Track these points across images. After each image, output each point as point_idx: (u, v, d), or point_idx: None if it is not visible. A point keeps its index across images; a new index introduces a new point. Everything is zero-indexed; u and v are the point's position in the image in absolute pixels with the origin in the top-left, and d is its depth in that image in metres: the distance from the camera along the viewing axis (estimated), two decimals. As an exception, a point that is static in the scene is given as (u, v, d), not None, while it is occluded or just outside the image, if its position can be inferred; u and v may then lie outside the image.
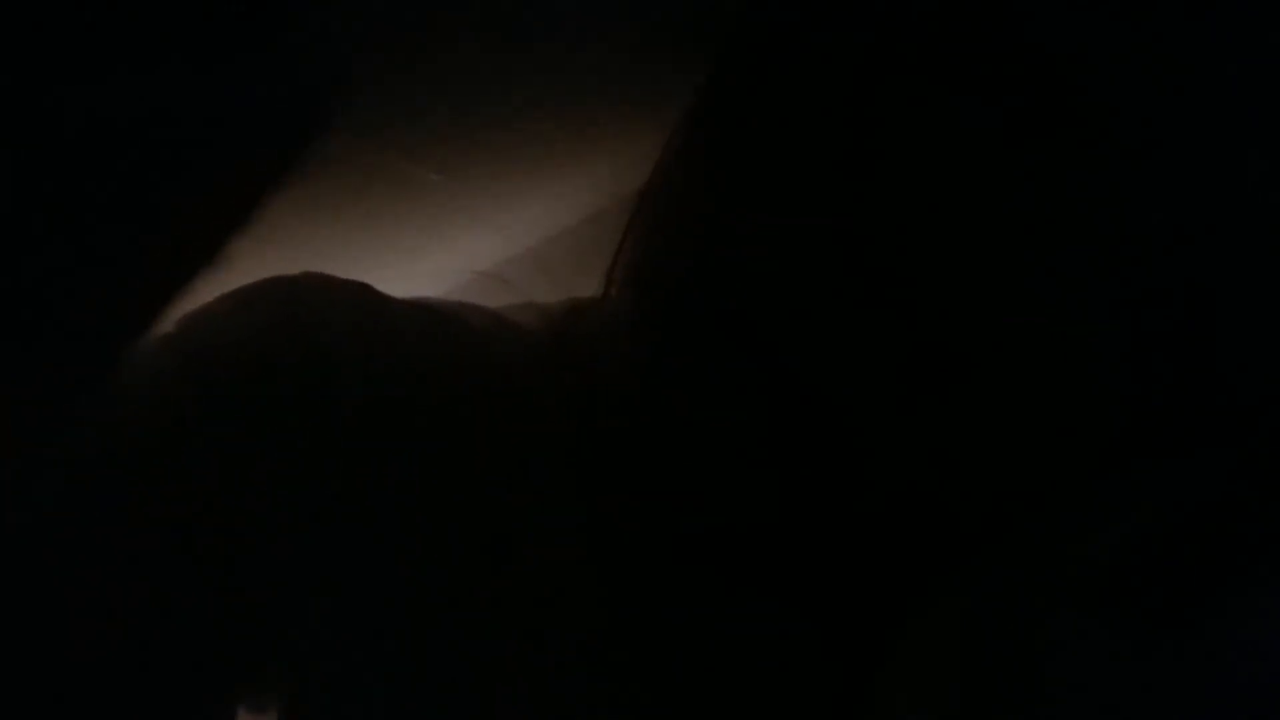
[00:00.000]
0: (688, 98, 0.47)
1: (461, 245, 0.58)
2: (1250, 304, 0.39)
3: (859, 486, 0.41)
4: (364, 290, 0.47)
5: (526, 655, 0.43)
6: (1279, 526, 0.38)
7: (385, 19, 0.44)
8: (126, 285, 0.31)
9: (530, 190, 0.56)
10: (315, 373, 0.44)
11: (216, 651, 0.41)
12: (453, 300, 0.51)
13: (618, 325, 0.46)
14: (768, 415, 0.41)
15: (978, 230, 0.39)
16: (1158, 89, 0.38)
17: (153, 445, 0.41)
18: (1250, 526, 0.38)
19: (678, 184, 0.45)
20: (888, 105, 0.40)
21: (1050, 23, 0.38)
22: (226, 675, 0.42)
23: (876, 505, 0.41)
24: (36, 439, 0.32)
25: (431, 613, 0.43)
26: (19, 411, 0.31)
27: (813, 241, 0.40)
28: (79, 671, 0.39)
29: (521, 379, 0.47)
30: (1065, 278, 0.39)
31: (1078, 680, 0.38)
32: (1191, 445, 0.40)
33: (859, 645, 0.43)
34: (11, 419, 0.31)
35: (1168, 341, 0.39)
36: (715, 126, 0.44)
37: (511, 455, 0.45)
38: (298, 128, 0.31)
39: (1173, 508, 0.39)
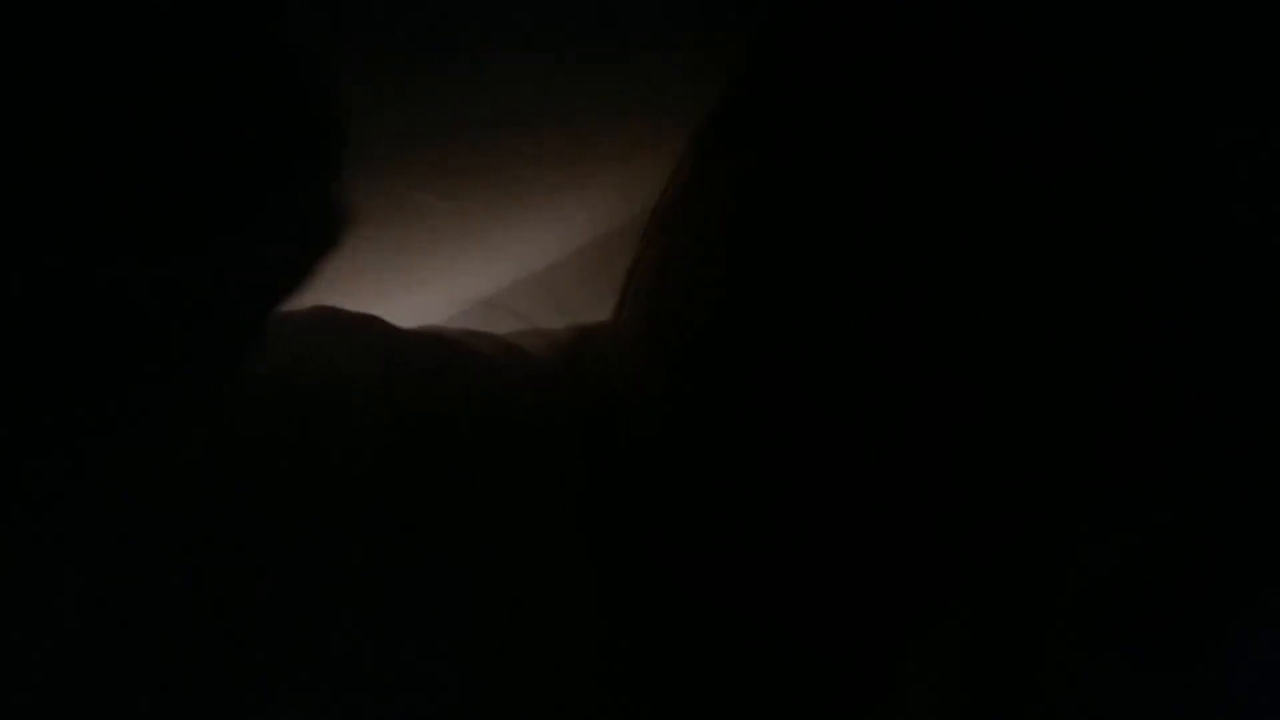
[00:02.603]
0: (695, 120, 0.47)
1: (468, 273, 0.58)
2: (1247, 322, 0.39)
3: (862, 510, 0.41)
4: (373, 322, 0.47)
5: (530, 678, 0.43)
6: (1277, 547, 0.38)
7: (387, 45, 0.43)
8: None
9: (536, 215, 0.56)
10: (327, 407, 0.44)
11: (223, 678, 0.41)
12: (460, 328, 0.51)
13: (631, 350, 0.46)
14: (780, 442, 0.41)
15: (981, 256, 0.39)
16: (1157, 114, 0.38)
17: (159, 482, 0.40)
18: (1250, 543, 0.38)
19: (694, 206, 0.45)
20: (908, 133, 0.40)
21: (1060, 50, 0.39)
22: (235, 697, 0.42)
23: (879, 528, 0.42)
24: (39, 475, 0.32)
25: (439, 635, 0.43)
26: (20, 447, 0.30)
27: (831, 268, 0.41)
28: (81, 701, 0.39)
29: (531, 404, 0.47)
30: (1064, 299, 0.39)
31: (1079, 700, 0.38)
32: (1190, 463, 0.40)
33: (861, 668, 0.43)
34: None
35: (1165, 360, 0.39)
36: (734, 149, 0.44)
37: (522, 480, 0.45)
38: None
39: (1172, 525, 0.39)
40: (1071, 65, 0.39)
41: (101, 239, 0.30)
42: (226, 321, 0.33)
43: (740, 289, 0.42)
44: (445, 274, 0.57)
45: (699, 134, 0.47)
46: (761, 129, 0.44)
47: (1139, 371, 0.39)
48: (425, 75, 0.46)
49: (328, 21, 0.40)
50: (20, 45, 0.28)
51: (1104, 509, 0.40)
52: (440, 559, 0.43)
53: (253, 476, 0.42)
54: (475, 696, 0.42)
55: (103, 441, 0.33)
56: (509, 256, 0.58)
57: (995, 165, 0.39)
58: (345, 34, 0.41)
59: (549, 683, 0.43)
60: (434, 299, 0.58)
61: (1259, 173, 0.39)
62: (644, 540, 0.45)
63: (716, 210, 0.44)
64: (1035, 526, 0.41)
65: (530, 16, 0.45)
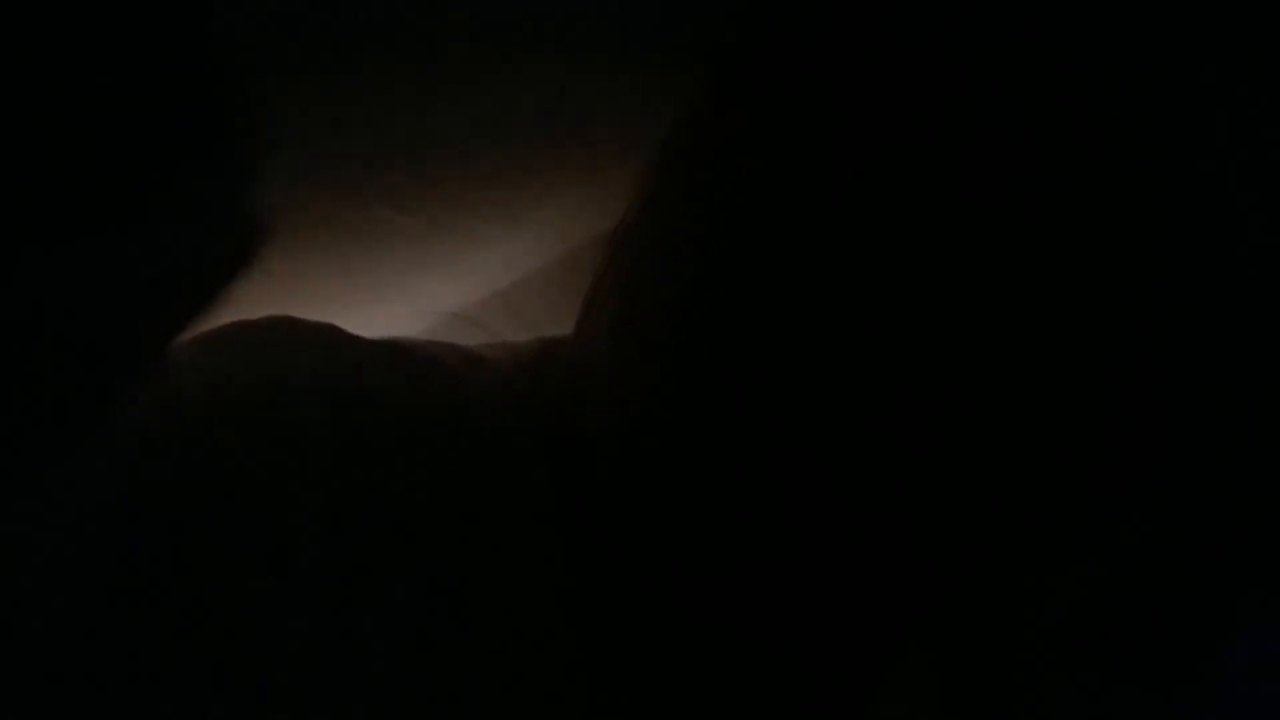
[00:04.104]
0: (658, 134, 0.47)
1: (431, 288, 0.58)
2: (1223, 344, 0.39)
3: (838, 529, 0.41)
4: (331, 331, 0.47)
5: (502, 698, 0.43)
6: (1259, 564, 0.38)
7: (349, 64, 0.43)
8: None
9: (499, 231, 0.56)
10: (283, 418, 0.43)
11: (223, 678, 0.41)
12: (422, 339, 0.51)
13: (598, 365, 0.46)
14: (751, 460, 0.41)
15: (977, 258, 0.39)
16: (1156, 114, 0.38)
17: (113, 502, 0.40)
18: (1235, 564, 0.38)
19: (661, 220, 0.45)
20: (902, 134, 0.40)
21: (1059, 51, 0.39)
22: (234, 697, 0.41)
23: (855, 548, 0.41)
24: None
25: (406, 654, 0.42)
26: None
27: (815, 276, 0.40)
28: None
29: (495, 416, 0.47)
30: (1036, 320, 0.39)
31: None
32: (1167, 484, 0.40)
33: (836, 685, 0.43)
34: None
35: (1141, 380, 0.39)
36: (705, 160, 0.44)
37: (487, 493, 0.45)
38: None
39: (1155, 543, 0.39)
40: (1071, 66, 0.39)
41: None
42: (115, 329, 0.32)
43: (716, 301, 0.42)
44: (407, 288, 0.57)
45: (664, 146, 0.47)
46: (736, 138, 0.43)
47: (1116, 391, 0.39)
48: (393, 100, 0.46)
49: (264, 31, 0.39)
50: None
51: (1087, 526, 0.40)
52: (439, 559, 0.43)
53: (197, 493, 0.41)
54: (475, 696, 0.42)
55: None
56: (473, 271, 0.58)
57: (994, 166, 0.39)
58: (286, 41, 0.41)
59: (548, 684, 0.43)
60: (396, 312, 0.58)
61: (1259, 174, 0.39)
62: (619, 552, 0.45)
63: (688, 223, 0.44)
64: (1016, 544, 0.40)
65: (494, 30, 0.45)
